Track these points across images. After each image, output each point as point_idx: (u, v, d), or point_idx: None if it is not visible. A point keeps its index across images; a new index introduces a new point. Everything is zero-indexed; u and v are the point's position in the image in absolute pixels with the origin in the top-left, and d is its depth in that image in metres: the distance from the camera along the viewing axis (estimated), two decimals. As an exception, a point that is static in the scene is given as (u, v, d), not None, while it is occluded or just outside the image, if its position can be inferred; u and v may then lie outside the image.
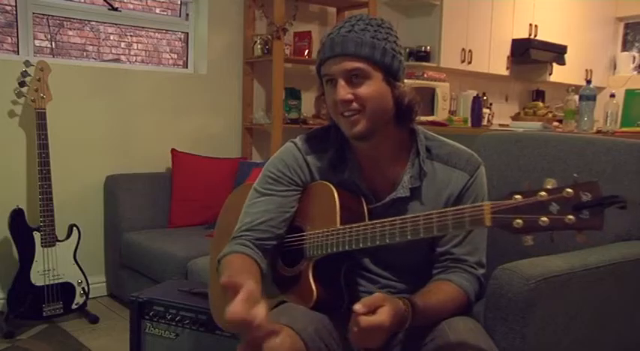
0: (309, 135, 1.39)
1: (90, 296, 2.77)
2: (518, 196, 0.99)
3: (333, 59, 1.22)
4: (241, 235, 1.34)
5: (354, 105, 1.22)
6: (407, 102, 1.26)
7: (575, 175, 0.96)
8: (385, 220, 1.17)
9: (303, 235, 1.33)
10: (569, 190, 0.94)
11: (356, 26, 1.22)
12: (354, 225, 1.22)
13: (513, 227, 0.98)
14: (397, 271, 1.35)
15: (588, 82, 3.25)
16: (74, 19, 3.12)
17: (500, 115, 4.93)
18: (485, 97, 4.48)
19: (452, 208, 1.08)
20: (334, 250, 1.24)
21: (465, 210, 1.05)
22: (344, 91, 1.21)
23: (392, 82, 1.24)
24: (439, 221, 1.09)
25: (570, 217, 0.94)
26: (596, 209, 0.92)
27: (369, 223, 1.20)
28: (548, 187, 0.97)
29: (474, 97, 3.69)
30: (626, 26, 6.43)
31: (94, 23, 3.21)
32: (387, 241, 1.16)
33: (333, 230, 1.25)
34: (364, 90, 1.21)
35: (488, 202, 1.03)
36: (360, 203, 1.30)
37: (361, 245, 1.20)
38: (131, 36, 3.37)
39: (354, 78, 1.21)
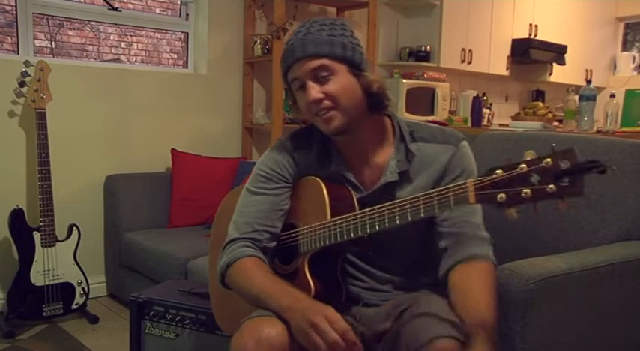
0: (294, 133, 1.41)
1: (90, 296, 2.77)
2: (499, 171, 1.00)
3: (296, 63, 1.25)
4: (242, 238, 1.33)
5: (326, 102, 1.24)
6: (376, 88, 1.28)
7: (553, 144, 0.96)
8: (374, 207, 1.19)
9: (296, 232, 1.34)
10: (548, 159, 0.95)
11: (311, 28, 1.25)
12: (343, 216, 1.23)
13: (497, 202, 0.99)
14: (393, 262, 1.36)
15: (588, 82, 3.25)
16: (74, 19, 3.12)
17: (500, 115, 4.93)
18: (485, 97, 4.48)
19: (436, 190, 1.10)
20: (327, 242, 1.26)
21: (449, 190, 1.07)
22: (314, 91, 1.24)
23: (357, 73, 1.26)
24: (425, 203, 1.10)
25: (551, 186, 0.94)
26: (575, 176, 0.93)
27: (359, 212, 1.21)
28: (528, 158, 0.97)
29: (474, 97, 3.69)
30: (626, 26, 6.43)
31: (94, 23, 3.21)
32: (377, 228, 1.18)
33: (324, 223, 1.26)
34: (332, 86, 1.24)
35: (471, 179, 1.04)
36: (349, 194, 1.32)
37: (352, 235, 1.22)
38: (131, 36, 3.37)
39: (321, 77, 1.24)
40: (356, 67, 1.26)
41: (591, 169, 0.92)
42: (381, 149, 1.34)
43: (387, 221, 1.16)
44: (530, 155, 0.97)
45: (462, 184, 1.05)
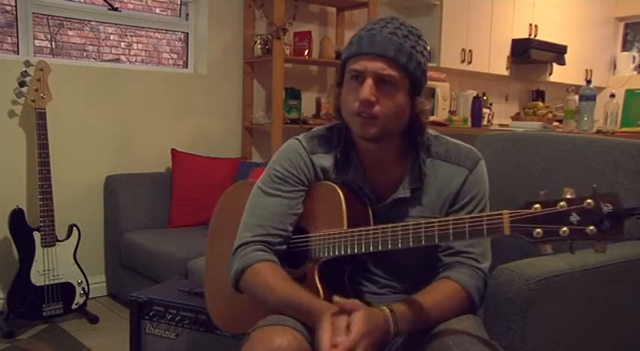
0: (313, 134, 1.37)
1: (90, 296, 2.77)
2: (537, 206, 0.99)
3: (368, 56, 1.18)
4: (255, 241, 1.31)
5: (374, 109, 1.19)
6: (423, 118, 1.25)
7: (594, 185, 0.96)
8: (397, 224, 1.15)
9: (308, 237, 1.31)
10: (590, 200, 0.94)
11: (398, 31, 1.19)
12: (363, 228, 1.20)
13: (533, 236, 0.99)
14: (399, 271, 1.34)
15: (588, 82, 3.25)
16: (74, 19, 3.12)
17: (500, 115, 4.93)
18: (485, 97, 4.47)
19: (468, 216, 1.07)
20: (342, 252, 1.23)
21: (483, 218, 1.05)
22: (369, 91, 1.17)
23: (414, 97, 1.23)
24: (455, 228, 1.07)
25: (591, 228, 0.94)
26: (617, 220, 0.93)
27: (380, 226, 1.18)
28: (568, 196, 0.97)
29: (474, 97, 3.69)
30: (626, 26, 6.43)
31: (94, 23, 3.21)
32: (400, 245, 1.14)
33: (340, 232, 1.23)
34: (388, 102, 1.19)
35: (507, 210, 1.02)
36: (365, 204, 1.29)
37: (372, 249, 1.18)
38: (131, 36, 3.37)
39: (383, 83, 1.18)
40: (416, 90, 1.22)
41: (633, 214, 0.92)
42: (399, 164, 1.31)
43: (411, 240, 1.13)
44: (569, 192, 0.97)
45: (497, 213, 1.03)
